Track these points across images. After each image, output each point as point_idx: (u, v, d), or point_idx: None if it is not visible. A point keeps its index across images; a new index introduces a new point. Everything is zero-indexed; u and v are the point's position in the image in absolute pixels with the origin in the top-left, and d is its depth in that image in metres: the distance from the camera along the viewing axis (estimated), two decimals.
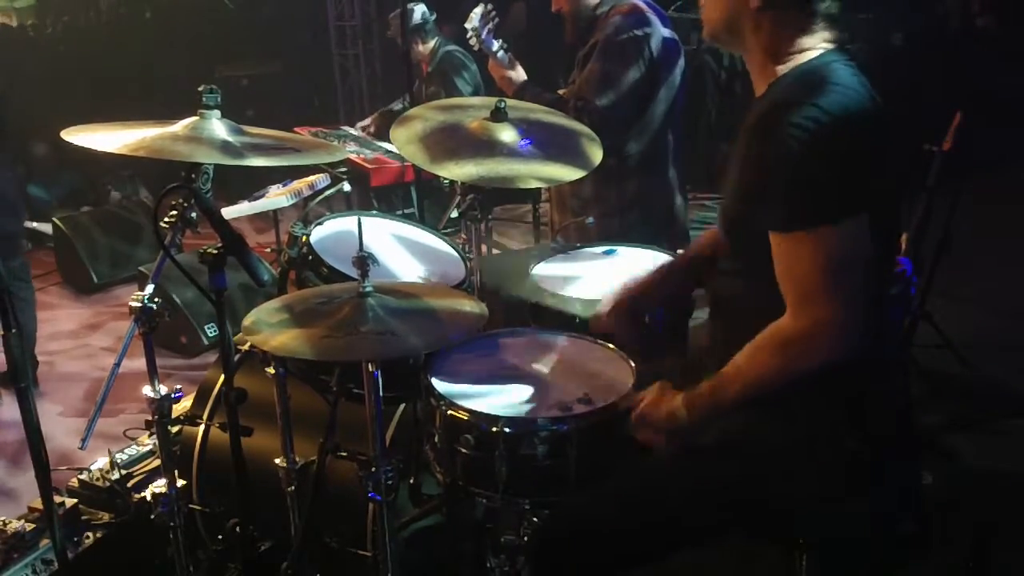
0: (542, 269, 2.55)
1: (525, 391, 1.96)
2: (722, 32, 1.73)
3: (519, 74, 3.05)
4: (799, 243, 1.52)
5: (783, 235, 1.55)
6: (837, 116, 1.50)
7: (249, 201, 4.51)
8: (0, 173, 4.01)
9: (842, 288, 1.51)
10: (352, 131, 6.12)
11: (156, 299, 2.03)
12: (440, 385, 1.96)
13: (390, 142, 3.34)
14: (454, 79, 5.43)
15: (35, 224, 6.72)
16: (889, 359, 1.75)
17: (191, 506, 2.46)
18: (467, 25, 2.97)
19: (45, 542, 2.44)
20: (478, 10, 2.94)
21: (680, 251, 2.67)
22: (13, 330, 1.90)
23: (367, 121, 6.19)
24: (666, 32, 2.96)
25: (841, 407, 1.63)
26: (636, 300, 2.04)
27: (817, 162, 1.50)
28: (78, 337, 5.02)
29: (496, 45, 3.00)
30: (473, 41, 2.99)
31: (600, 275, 2.53)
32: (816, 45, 1.64)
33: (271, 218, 4.75)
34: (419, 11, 5.48)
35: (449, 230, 2.93)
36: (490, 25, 2.97)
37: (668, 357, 2.13)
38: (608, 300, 2.07)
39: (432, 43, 5.56)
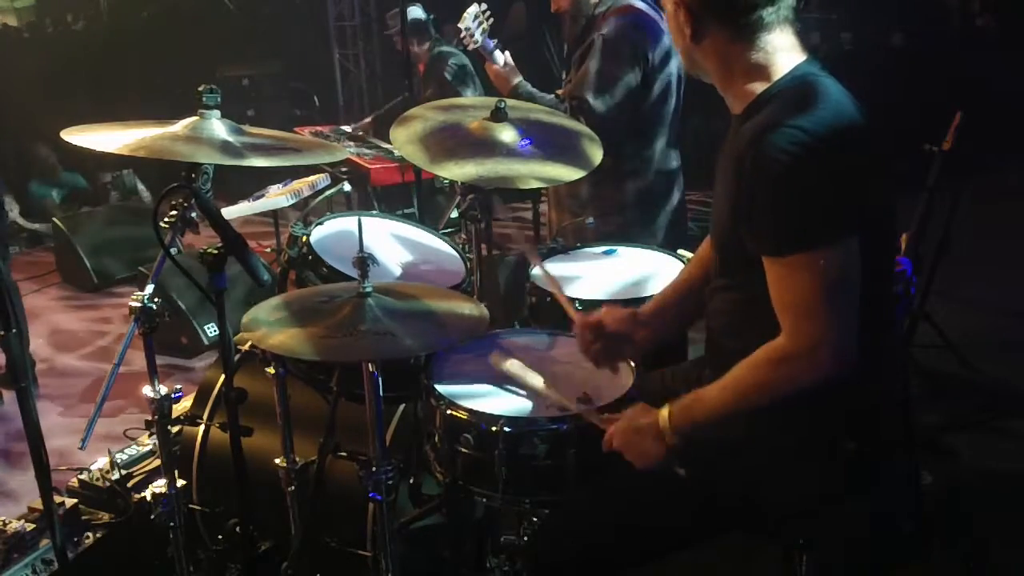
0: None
1: (525, 391, 1.96)
2: (688, 67, 1.75)
3: (514, 75, 3.05)
4: (793, 267, 1.51)
5: (776, 259, 1.54)
6: (823, 135, 1.49)
7: (249, 201, 4.51)
8: None
9: (837, 309, 1.50)
10: (351, 130, 6.12)
11: (156, 299, 2.03)
12: (440, 385, 1.96)
13: (390, 142, 3.34)
14: (449, 79, 5.45)
15: (35, 224, 6.74)
16: (889, 360, 1.75)
17: (191, 506, 2.46)
18: (460, 25, 2.97)
19: (45, 542, 2.44)
20: (472, 9, 2.94)
21: (680, 251, 2.68)
22: (13, 330, 1.89)
23: (363, 123, 6.20)
24: (665, 32, 2.95)
25: (841, 408, 1.63)
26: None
27: (806, 185, 1.48)
28: (78, 337, 5.02)
29: (492, 45, 3.00)
30: (467, 40, 2.98)
31: (600, 275, 2.53)
32: (782, 58, 1.61)
33: (271, 218, 4.76)
34: (416, 12, 5.48)
35: (449, 230, 2.93)
36: (484, 24, 2.97)
37: (667, 362, 2.13)
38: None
39: (428, 44, 5.57)
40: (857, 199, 1.53)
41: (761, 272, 1.56)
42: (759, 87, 1.62)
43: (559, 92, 3.10)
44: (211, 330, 4.51)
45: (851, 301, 1.51)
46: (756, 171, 1.52)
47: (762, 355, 1.57)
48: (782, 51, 1.61)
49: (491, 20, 2.99)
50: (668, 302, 2.01)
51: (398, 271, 2.47)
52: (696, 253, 2.04)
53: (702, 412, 1.64)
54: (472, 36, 2.95)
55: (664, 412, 1.66)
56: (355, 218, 2.29)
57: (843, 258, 1.50)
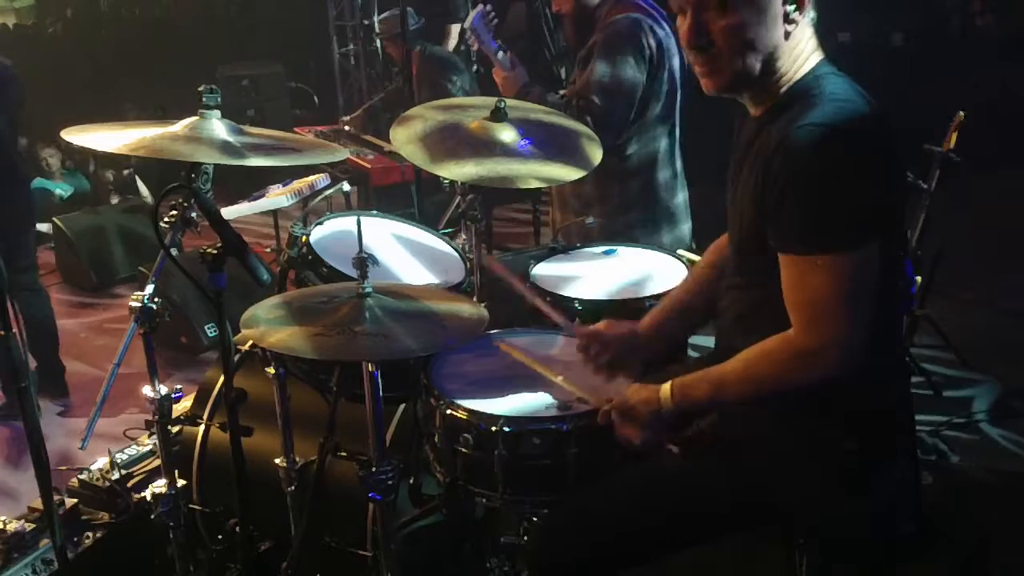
0: (542, 269, 2.55)
1: (524, 391, 1.96)
2: None
3: (521, 75, 3.05)
4: (814, 267, 1.51)
5: (797, 257, 1.54)
6: (852, 136, 1.50)
7: (249, 201, 4.51)
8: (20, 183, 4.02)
9: (854, 311, 1.51)
10: (351, 131, 6.13)
11: (156, 299, 2.03)
12: (440, 385, 1.96)
13: (389, 142, 3.34)
14: (441, 81, 5.48)
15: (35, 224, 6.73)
16: (891, 359, 1.75)
17: (191, 506, 2.46)
18: (465, 25, 2.97)
19: (45, 542, 2.44)
20: (477, 10, 2.94)
21: (680, 251, 2.68)
22: (13, 331, 1.89)
23: (354, 115, 6.22)
24: (666, 31, 2.95)
25: (841, 408, 1.62)
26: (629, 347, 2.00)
27: (834, 184, 1.49)
28: (78, 337, 5.02)
29: (496, 45, 3.00)
30: (472, 41, 2.98)
31: (600, 275, 2.53)
32: (805, 58, 1.62)
33: (271, 218, 4.75)
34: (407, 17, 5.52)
35: (449, 230, 2.93)
36: (490, 26, 2.97)
37: (668, 366, 2.12)
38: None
39: (418, 48, 5.60)
40: (881, 201, 1.54)
41: (779, 273, 1.56)
42: (782, 85, 1.63)
43: (564, 92, 3.09)
44: (211, 330, 4.51)
45: (868, 303, 1.51)
46: (785, 170, 1.52)
47: (774, 346, 1.58)
48: (806, 51, 1.63)
49: (495, 21, 2.99)
50: (670, 315, 2.00)
51: (398, 271, 2.47)
52: (707, 255, 2.05)
53: (705, 392, 1.65)
54: (478, 36, 2.95)
55: (665, 387, 1.68)
56: (355, 218, 2.29)
57: (865, 261, 1.51)
